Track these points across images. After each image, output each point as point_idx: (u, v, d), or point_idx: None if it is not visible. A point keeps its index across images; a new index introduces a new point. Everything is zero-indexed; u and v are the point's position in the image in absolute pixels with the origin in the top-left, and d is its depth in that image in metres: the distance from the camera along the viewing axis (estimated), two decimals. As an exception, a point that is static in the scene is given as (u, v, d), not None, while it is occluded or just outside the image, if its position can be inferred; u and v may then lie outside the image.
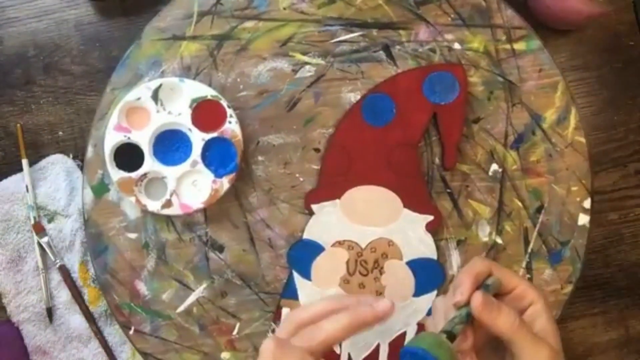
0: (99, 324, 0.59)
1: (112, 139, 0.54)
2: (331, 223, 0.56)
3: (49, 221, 0.59)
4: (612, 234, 0.62)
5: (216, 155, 0.55)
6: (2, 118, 0.61)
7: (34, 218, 0.59)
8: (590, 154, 0.57)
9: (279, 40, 0.57)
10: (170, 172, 0.55)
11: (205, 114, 0.55)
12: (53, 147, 0.61)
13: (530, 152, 0.57)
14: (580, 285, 0.58)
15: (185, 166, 0.55)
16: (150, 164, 0.55)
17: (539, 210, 0.57)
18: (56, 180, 0.59)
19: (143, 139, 0.55)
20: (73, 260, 0.59)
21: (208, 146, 0.55)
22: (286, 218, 0.57)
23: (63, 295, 0.59)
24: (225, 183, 0.55)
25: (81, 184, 0.57)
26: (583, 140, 0.57)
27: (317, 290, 0.56)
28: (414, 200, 0.56)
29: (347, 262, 0.56)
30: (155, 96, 0.55)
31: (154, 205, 0.54)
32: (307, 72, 0.57)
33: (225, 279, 0.57)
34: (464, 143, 0.57)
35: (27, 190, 0.59)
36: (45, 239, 0.59)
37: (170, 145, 0.56)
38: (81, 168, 0.59)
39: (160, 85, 0.55)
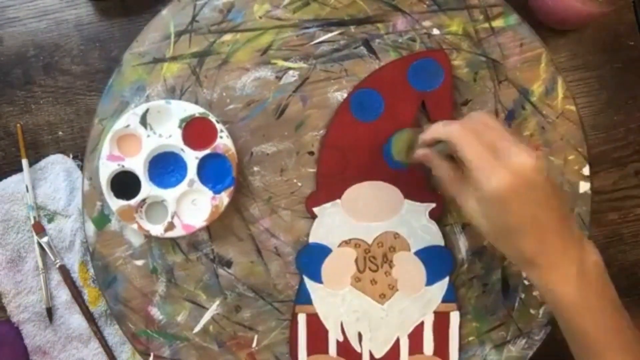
0: (99, 324, 0.59)
1: (106, 169, 0.54)
2: (335, 224, 0.56)
3: (49, 221, 0.60)
4: (612, 234, 0.62)
5: (212, 172, 0.55)
6: (2, 118, 0.61)
7: (34, 218, 0.59)
8: (582, 121, 0.57)
9: (259, 49, 0.57)
10: (169, 195, 0.55)
11: (196, 132, 0.55)
12: (53, 147, 0.61)
13: (523, 126, 0.57)
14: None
15: (182, 187, 0.55)
16: (147, 189, 0.55)
17: (539, 183, 0.57)
18: (56, 180, 0.60)
19: (137, 165, 0.55)
20: (73, 260, 0.59)
21: (203, 164, 0.55)
22: (289, 225, 0.57)
23: (63, 295, 0.59)
24: (224, 198, 0.55)
25: (80, 186, 0.57)
26: (573, 108, 0.57)
27: (329, 291, 0.56)
28: (414, 190, 0.56)
29: (356, 261, 0.56)
30: (143, 121, 0.55)
31: (156, 230, 0.54)
32: (291, 77, 0.57)
33: (238, 293, 0.57)
34: (455, 127, 0.57)
35: (27, 190, 0.59)
36: (45, 239, 0.59)
37: (165, 167, 0.56)
38: (81, 168, 0.59)
39: (147, 110, 0.54)
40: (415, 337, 0.56)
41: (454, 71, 0.57)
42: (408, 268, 0.56)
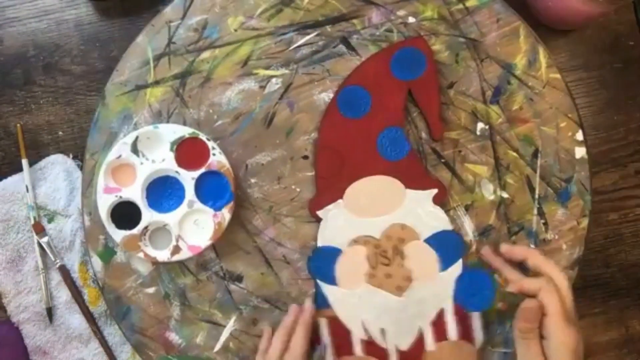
0: (99, 324, 0.59)
1: (104, 202, 0.54)
2: (341, 224, 0.56)
3: (49, 221, 0.60)
4: (612, 234, 0.63)
5: (210, 190, 0.55)
6: (2, 118, 0.61)
7: (34, 218, 0.59)
8: (569, 88, 0.58)
9: (239, 62, 0.57)
10: (170, 218, 0.55)
11: (188, 152, 0.55)
12: (53, 147, 0.61)
13: (511, 101, 0.58)
14: (580, 285, 0.58)
15: (183, 209, 0.55)
16: (148, 216, 0.55)
17: (535, 155, 0.57)
18: (56, 180, 0.60)
19: (135, 193, 0.54)
20: (73, 260, 0.59)
21: (199, 183, 0.55)
22: (294, 231, 0.57)
23: (63, 295, 0.59)
24: (226, 214, 0.55)
25: (82, 187, 0.57)
26: (558, 76, 0.57)
27: (345, 292, 0.56)
28: (414, 179, 0.56)
29: (368, 258, 0.56)
30: (134, 149, 0.55)
31: (163, 255, 0.54)
32: (275, 84, 0.57)
33: (252, 307, 0.57)
34: (445, 111, 0.57)
35: (27, 190, 0.59)
36: (45, 239, 0.59)
37: (163, 192, 0.56)
38: (81, 168, 0.59)
39: (136, 138, 0.54)
40: (438, 324, 0.56)
41: (435, 56, 0.57)
42: (420, 257, 0.56)
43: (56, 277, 0.59)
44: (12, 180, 0.60)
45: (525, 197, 0.57)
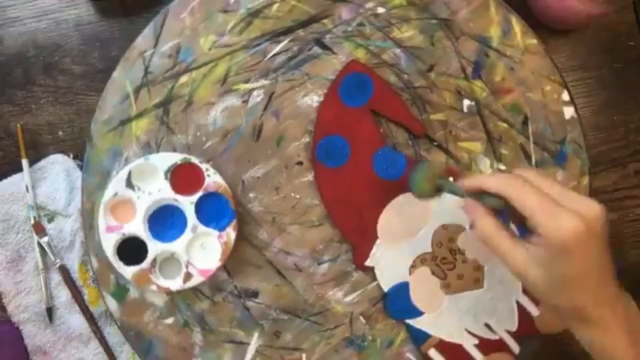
0: (99, 324, 0.59)
1: (108, 241, 0.54)
2: (392, 260, 0.56)
3: (49, 221, 0.59)
4: (612, 234, 0.61)
5: (211, 212, 0.55)
6: (2, 118, 0.61)
7: (34, 218, 0.59)
8: (548, 51, 0.58)
9: (218, 80, 0.57)
10: (177, 246, 0.55)
11: (183, 178, 0.55)
12: (53, 147, 0.61)
13: (493, 73, 0.58)
14: None
15: (187, 235, 0.55)
16: (154, 248, 0.54)
17: (524, 122, 0.57)
18: (56, 180, 0.60)
19: (137, 228, 0.54)
20: (73, 260, 0.59)
21: (199, 206, 0.55)
22: (301, 238, 0.57)
23: (63, 295, 0.59)
24: (230, 233, 0.54)
25: (80, 185, 0.57)
26: (535, 41, 0.58)
27: (435, 314, 0.56)
28: None
29: (433, 273, 0.56)
30: (130, 184, 0.54)
31: (176, 284, 0.54)
32: (257, 97, 0.57)
33: (273, 320, 0.57)
34: (429, 94, 0.57)
35: (27, 190, 0.59)
36: (45, 239, 0.59)
37: (165, 221, 0.56)
38: (81, 168, 0.59)
39: (130, 173, 0.54)
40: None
41: (410, 42, 0.57)
42: (476, 244, 0.55)
43: (56, 277, 0.59)
44: (12, 180, 0.60)
45: (522, 166, 0.57)
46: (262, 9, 0.57)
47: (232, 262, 0.56)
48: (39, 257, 0.59)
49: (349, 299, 0.57)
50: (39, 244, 0.59)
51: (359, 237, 0.56)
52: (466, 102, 0.58)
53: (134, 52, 0.57)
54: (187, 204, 0.55)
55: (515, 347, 0.56)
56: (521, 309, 0.56)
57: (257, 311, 0.57)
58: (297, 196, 0.57)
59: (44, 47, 0.61)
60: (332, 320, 0.57)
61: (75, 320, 0.59)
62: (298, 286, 0.57)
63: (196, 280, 0.54)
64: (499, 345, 0.56)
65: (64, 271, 0.59)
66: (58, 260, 0.59)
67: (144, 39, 0.57)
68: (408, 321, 0.56)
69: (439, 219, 0.56)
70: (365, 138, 0.56)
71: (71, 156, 0.61)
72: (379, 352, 0.57)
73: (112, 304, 0.56)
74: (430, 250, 0.56)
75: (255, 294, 0.57)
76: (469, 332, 0.56)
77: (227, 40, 0.57)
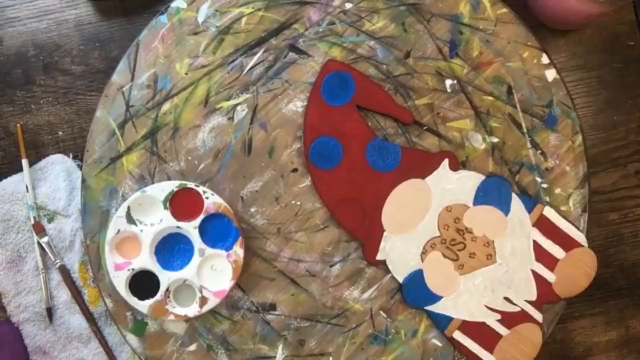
0: (99, 324, 0.59)
1: (119, 279, 0.54)
2: (402, 250, 0.56)
3: (49, 221, 0.59)
4: (612, 234, 0.63)
5: (215, 233, 0.55)
6: (2, 118, 0.61)
7: (34, 218, 0.59)
8: (518, 17, 0.58)
9: (200, 102, 0.57)
10: (188, 273, 0.55)
11: (182, 204, 0.55)
12: (53, 147, 0.61)
13: (469, 49, 0.58)
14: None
15: (195, 259, 0.55)
16: (166, 278, 0.54)
17: (509, 92, 0.58)
18: (56, 180, 0.60)
19: (145, 261, 0.54)
20: (73, 260, 0.59)
21: (203, 230, 0.55)
22: (309, 244, 0.57)
23: (63, 295, 0.59)
24: (238, 251, 0.54)
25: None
26: (505, 9, 0.58)
27: (452, 296, 0.56)
28: (423, 166, 0.56)
29: (445, 256, 0.56)
30: (130, 219, 0.54)
31: (193, 310, 0.54)
32: (242, 112, 0.57)
33: (295, 329, 0.57)
34: (410, 80, 0.58)
35: (27, 190, 0.59)
36: (45, 239, 0.59)
37: (172, 250, 0.56)
38: (81, 168, 0.58)
39: (128, 208, 0.54)
40: (543, 256, 0.56)
41: (382, 32, 0.57)
42: (482, 219, 0.56)
43: (56, 277, 0.59)
44: (12, 180, 0.60)
45: (515, 135, 0.58)
46: (232, 25, 0.57)
47: (245, 278, 0.56)
48: (38, 257, 0.59)
49: (366, 295, 0.57)
50: (39, 244, 0.59)
51: (366, 234, 0.56)
52: (448, 82, 0.58)
53: (112, 89, 0.57)
54: (190, 229, 0.55)
55: (538, 316, 0.56)
56: (537, 277, 0.56)
57: (277, 323, 0.57)
58: (298, 203, 0.57)
59: (43, 47, 0.61)
60: (353, 319, 0.57)
61: (75, 320, 0.59)
62: (314, 292, 0.57)
63: (212, 303, 0.54)
64: (522, 317, 0.56)
65: (64, 271, 0.59)
66: (58, 260, 0.59)
67: (119, 75, 0.57)
68: (428, 308, 0.56)
69: (441, 201, 0.56)
70: (355, 134, 0.56)
71: (71, 156, 0.61)
72: (405, 343, 0.57)
73: (133, 340, 0.56)
74: (438, 234, 0.56)
75: (273, 307, 0.57)
76: (490, 309, 0.56)
77: (202, 61, 0.57)
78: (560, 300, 0.56)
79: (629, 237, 0.63)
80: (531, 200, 0.56)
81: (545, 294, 0.56)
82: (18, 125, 0.60)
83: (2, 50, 0.61)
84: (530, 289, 0.56)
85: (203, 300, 0.54)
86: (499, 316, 0.56)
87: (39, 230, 0.59)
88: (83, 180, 0.57)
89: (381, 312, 0.57)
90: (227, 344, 0.56)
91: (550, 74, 0.58)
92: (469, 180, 0.56)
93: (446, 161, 0.56)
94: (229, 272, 0.55)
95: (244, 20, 0.57)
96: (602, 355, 0.63)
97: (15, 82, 0.61)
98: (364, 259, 0.57)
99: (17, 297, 0.59)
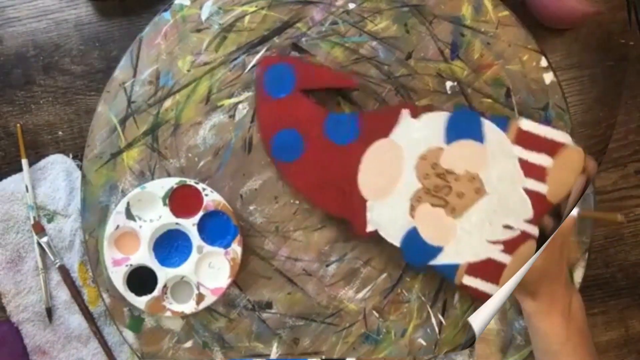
0: (98, 324, 0.59)
1: (117, 274, 0.54)
2: (390, 214, 0.55)
3: (49, 221, 0.60)
4: (612, 234, 0.63)
5: (214, 230, 0.55)
6: (2, 118, 0.61)
7: (34, 218, 0.59)
8: (519, 20, 0.58)
9: (202, 100, 0.57)
10: (185, 269, 0.55)
11: (182, 201, 0.55)
12: (53, 147, 0.61)
13: (470, 51, 0.58)
14: (580, 285, 0.58)
15: (194, 256, 0.55)
16: (163, 275, 0.55)
17: (507, 94, 0.58)
18: (56, 180, 0.60)
19: (143, 257, 0.55)
20: (73, 260, 0.59)
21: (202, 227, 0.55)
22: (306, 243, 0.57)
23: (63, 295, 0.59)
24: (236, 249, 0.55)
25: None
26: (507, 12, 0.58)
27: (453, 243, 0.55)
28: (384, 125, 0.55)
29: (434, 205, 0.55)
30: (130, 215, 0.55)
31: (189, 307, 0.54)
32: (243, 110, 0.58)
33: (290, 327, 0.57)
34: (411, 81, 0.58)
35: (27, 190, 0.59)
36: (45, 239, 0.59)
37: (170, 246, 0.56)
38: (80, 168, 0.58)
39: (128, 204, 0.55)
40: (532, 170, 0.54)
41: (385, 33, 0.57)
42: (459, 156, 0.54)
43: (56, 277, 0.59)
44: (12, 180, 0.60)
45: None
46: (235, 23, 0.58)
47: (242, 276, 0.57)
48: (38, 257, 0.59)
49: (360, 295, 0.57)
50: (39, 244, 0.59)
51: (350, 210, 0.55)
52: (449, 84, 0.58)
53: (114, 84, 0.57)
54: (189, 226, 0.55)
55: (535, 231, 0.54)
56: (530, 194, 0.55)
57: (273, 322, 0.57)
58: (297, 202, 0.57)
59: (43, 47, 0.61)
60: (347, 319, 0.57)
61: (75, 320, 0.59)
62: (310, 291, 0.57)
63: (209, 300, 0.54)
64: (522, 239, 0.54)
65: (64, 271, 0.59)
66: (58, 260, 0.59)
67: (122, 71, 0.57)
68: (432, 262, 0.55)
69: (413, 152, 0.55)
70: (309, 118, 0.55)
71: (71, 156, 0.61)
72: (394, 343, 0.57)
73: (130, 336, 0.56)
74: (420, 186, 0.55)
75: (269, 305, 0.57)
76: (491, 242, 0.55)
77: (204, 59, 0.58)
78: (553, 206, 0.54)
79: (629, 237, 0.63)
80: (503, 119, 0.55)
81: (540, 207, 0.54)
82: (18, 125, 0.60)
83: (2, 50, 0.61)
84: (527, 207, 0.54)
85: (200, 297, 0.54)
86: (501, 246, 0.55)
87: (39, 230, 0.59)
88: (83, 176, 0.57)
89: (374, 312, 0.57)
90: (223, 342, 0.57)
91: (548, 77, 0.58)
92: (434, 122, 0.55)
93: (406, 111, 0.55)
94: (226, 269, 0.55)
95: (247, 18, 0.58)
96: (602, 356, 0.62)
97: (15, 82, 0.61)
98: (356, 234, 0.56)
99: (16, 297, 0.59)
